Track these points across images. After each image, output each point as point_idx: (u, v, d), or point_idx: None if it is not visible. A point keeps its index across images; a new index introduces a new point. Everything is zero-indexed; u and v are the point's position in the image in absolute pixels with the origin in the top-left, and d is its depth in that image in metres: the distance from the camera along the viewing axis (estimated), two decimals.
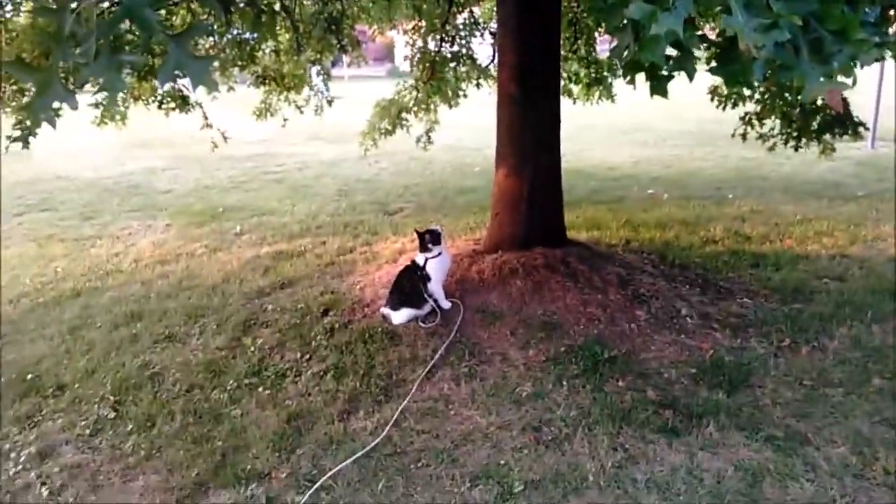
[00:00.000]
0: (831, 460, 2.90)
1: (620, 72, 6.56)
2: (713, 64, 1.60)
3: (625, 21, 1.74)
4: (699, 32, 1.58)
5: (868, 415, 3.22)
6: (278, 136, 13.08)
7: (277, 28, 4.51)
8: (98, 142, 12.30)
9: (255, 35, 5.47)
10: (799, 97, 4.72)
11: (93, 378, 3.92)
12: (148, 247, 6.64)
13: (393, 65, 37.52)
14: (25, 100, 4.81)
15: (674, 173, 9.68)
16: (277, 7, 4.31)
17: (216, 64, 5.86)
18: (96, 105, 5.86)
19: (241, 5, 3.22)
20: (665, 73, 1.77)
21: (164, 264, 6.04)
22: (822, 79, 1.38)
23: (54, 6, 1.29)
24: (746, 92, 5.24)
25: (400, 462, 3.07)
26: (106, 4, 1.39)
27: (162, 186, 9.90)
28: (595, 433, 3.17)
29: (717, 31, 1.86)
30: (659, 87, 1.80)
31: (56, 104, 1.31)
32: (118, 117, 6.29)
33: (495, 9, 6.59)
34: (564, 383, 3.60)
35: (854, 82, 1.46)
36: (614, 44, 1.94)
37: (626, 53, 1.78)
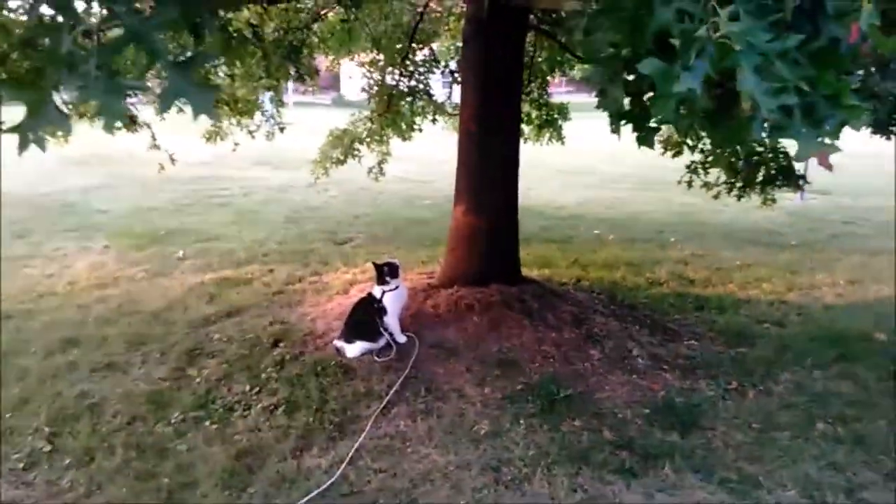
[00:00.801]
0: None
1: (571, 116, 6.73)
2: (703, 120, 1.66)
3: (614, 72, 1.80)
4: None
5: (815, 458, 3.32)
6: (221, 159, 12.87)
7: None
8: (30, 156, 11.74)
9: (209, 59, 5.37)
10: (740, 149, 4.93)
11: (27, 407, 3.68)
12: (85, 269, 6.35)
13: (338, 93, 37.56)
14: None
15: (618, 215, 9.95)
16: (248, 34, 4.26)
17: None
18: None
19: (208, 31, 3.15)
20: (653, 125, 1.82)
21: (103, 288, 5.78)
22: (815, 140, 1.44)
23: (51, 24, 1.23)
24: (690, 143, 5.44)
25: (357, 502, 2.99)
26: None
27: (99, 206, 9.52)
28: (554, 474, 3.16)
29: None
30: (646, 138, 1.84)
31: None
32: (60, 134, 6.03)
33: (459, 47, 6.72)
34: (522, 422, 3.60)
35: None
36: (594, 94, 1.99)
37: (614, 105, 1.83)
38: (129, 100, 5.85)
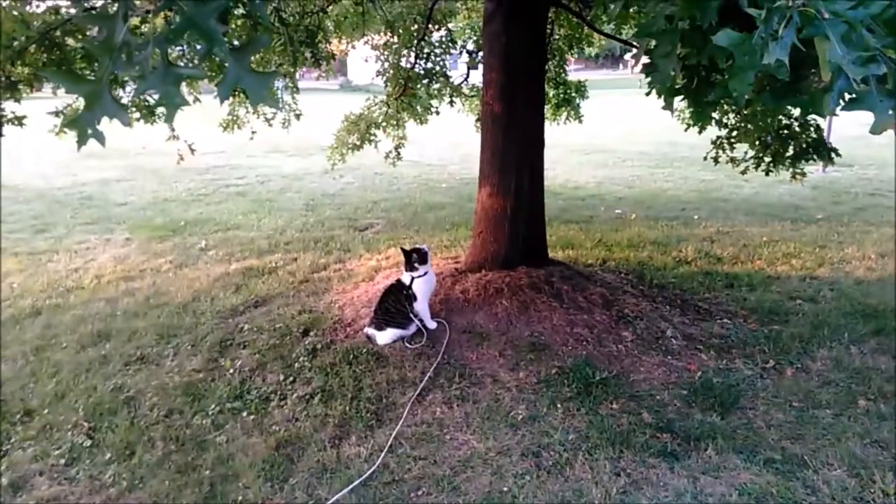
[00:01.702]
0: (830, 483, 2.93)
1: (588, 95, 6.61)
2: (768, 93, 1.60)
3: (672, 48, 1.73)
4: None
5: (859, 436, 3.27)
6: (236, 148, 12.88)
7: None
8: (46, 150, 11.79)
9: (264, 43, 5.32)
10: (771, 122, 4.84)
11: (63, 402, 3.69)
12: (109, 262, 6.36)
13: (346, 78, 37.39)
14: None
15: (637, 193, 9.84)
16: (273, 20, 4.20)
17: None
18: (56, 113, 5.59)
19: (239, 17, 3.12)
20: (709, 100, 1.76)
21: (129, 281, 5.79)
22: (890, 112, 1.38)
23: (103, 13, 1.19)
24: (715, 116, 5.34)
25: (399, 490, 2.97)
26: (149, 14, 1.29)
27: (117, 198, 9.54)
28: (596, 458, 3.13)
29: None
30: (702, 114, 1.78)
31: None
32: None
33: (476, 27, 6.62)
34: (559, 406, 3.57)
35: None
36: (637, 69, 1.92)
37: (668, 80, 1.76)
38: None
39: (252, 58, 5.65)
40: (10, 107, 4.63)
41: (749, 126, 4.90)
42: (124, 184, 10.59)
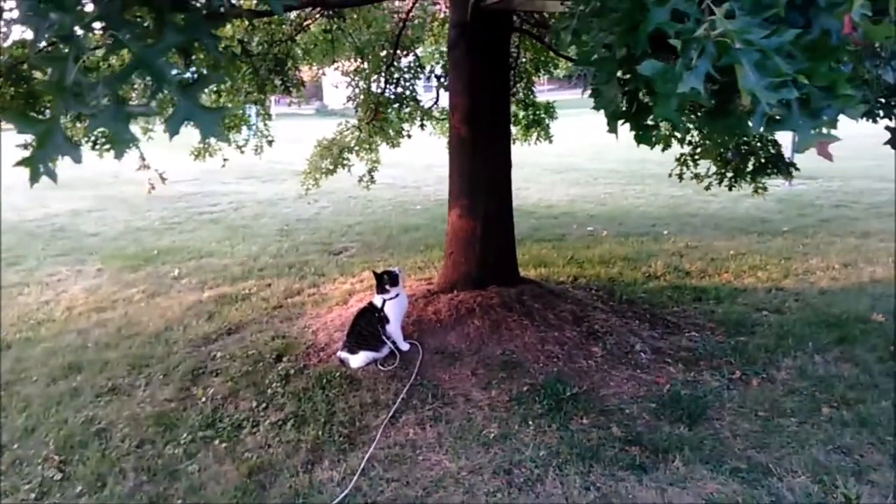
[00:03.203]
0: (794, 490, 3.00)
1: (557, 115, 6.76)
2: (701, 116, 1.68)
3: (608, 74, 1.82)
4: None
5: (822, 443, 3.35)
6: (209, 175, 12.84)
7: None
8: (16, 181, 11.67)
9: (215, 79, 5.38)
10: (728, 140, 4.97)
11: (33, 436, 3.66)
12: (80, 293, 6.32)
13: (321, 103, 37.49)
14: None
15: (609, 210, 9.99)
16: (237, 50, 4.26)
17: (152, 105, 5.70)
18: (25, 146, 5.58)
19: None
20: (651, 122, 1.84)
21: (100, 312, 5.75)
22: (812, 132, 1.46)
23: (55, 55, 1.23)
24: (678, 136, 5.47)
25: None
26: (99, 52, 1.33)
27: (89, 229, 9.47)
28: (566, 473, 3.17)
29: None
30: (645, 136, 1.86)
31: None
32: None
33: (444, 52, 6.73)
34: (530, 423, 3.61)
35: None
36: (587, 94, 2.00)
37: (611, 105, 1.84)
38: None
39: (222, 86, 5.69)
40: None
41: (708, 143, 5.02)
42: (96, 214, 10.52)
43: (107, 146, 5.96)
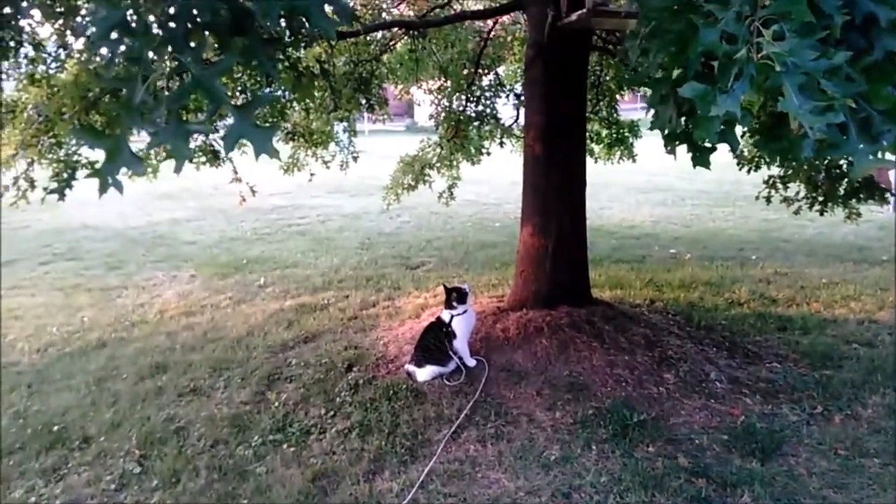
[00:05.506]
0: None
1: (642, 133, 6.66)
2: (757, 139, 1.64)
3: (664, 94, 1.80)
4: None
5: None
6: (301, 188, 13.32)
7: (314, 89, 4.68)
8: (125, 192, 12.52)
9: (286, 93, 5.66)
10: (821, 163, 4.74)
11: (118, 431, 3.91)
12: (173, 298, 6.70)
13: (412, 120, 38.22)
14: (62, 152, 4.98)
15: (694, 233, 9.68)
16: (316, 70, 4.46)
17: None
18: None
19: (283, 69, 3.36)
20: (708, 145, 1.80)
21: (190, 316, 6.09)
22: (870, 157, 1.40)
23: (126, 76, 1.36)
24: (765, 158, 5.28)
25: None
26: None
27: (187, 237, 10.03)
28: (627, 501, 3.10)
29: (757, 106, 1.90)
30: (701, 158, 1.83)
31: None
32: (150, 170, 6.44)
33: (522, 71, 6.78)
34: (593, 447, 3.54)
35: None
36: (650, 114, 1.99)
37: (667, 125, 1.82)
38: (211, 136, 6.25)
39: (311, 103, 5.93)
40: (85, 153, 5.03)
41: (798, 165, 4.81)
42: (194, 223, 11.14)
43: (215, 156, 6.40)
